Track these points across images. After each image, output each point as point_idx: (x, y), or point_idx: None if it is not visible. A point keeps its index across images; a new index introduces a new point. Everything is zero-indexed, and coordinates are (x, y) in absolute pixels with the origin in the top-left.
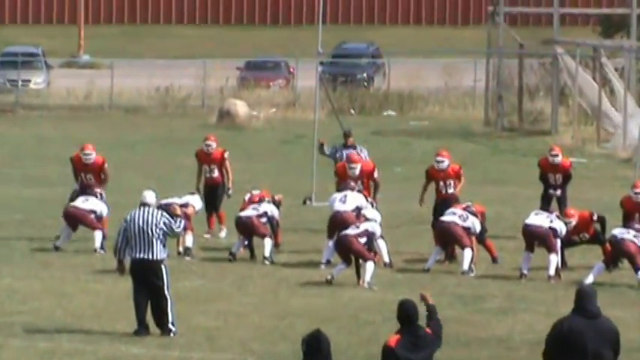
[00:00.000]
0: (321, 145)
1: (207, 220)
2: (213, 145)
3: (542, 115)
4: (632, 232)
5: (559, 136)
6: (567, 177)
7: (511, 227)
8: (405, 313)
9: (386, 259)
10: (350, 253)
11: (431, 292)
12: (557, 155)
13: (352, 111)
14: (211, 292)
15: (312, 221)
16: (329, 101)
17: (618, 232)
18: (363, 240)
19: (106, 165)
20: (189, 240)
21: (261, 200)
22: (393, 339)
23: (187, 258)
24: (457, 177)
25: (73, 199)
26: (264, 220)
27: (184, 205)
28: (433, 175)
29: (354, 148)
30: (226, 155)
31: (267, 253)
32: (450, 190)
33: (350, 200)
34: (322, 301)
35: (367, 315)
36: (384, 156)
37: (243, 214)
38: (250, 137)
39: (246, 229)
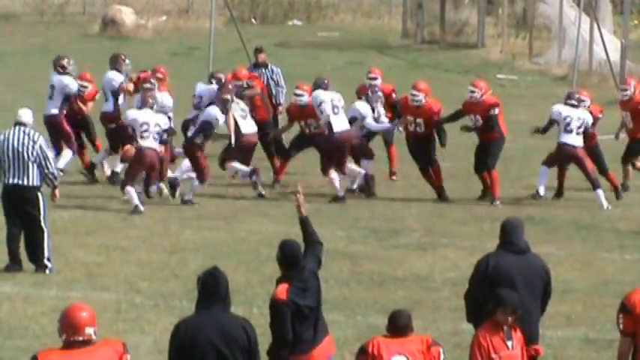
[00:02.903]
0: None
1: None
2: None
3: (467, 27)
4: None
5: (486, 49)
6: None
7: None
8: (291, 254)
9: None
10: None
11: (342, 224)
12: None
13: (253, 20)
14: (93, 223)
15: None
16: (227, 8)
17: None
18: None
19: None
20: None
21: None
22: (282, 289)
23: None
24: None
25: None
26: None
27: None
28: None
29: (265, 67)
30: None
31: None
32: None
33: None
34: (218, 234)
35: (269, 250)
36: (289, 70)
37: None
38: (137, 49)
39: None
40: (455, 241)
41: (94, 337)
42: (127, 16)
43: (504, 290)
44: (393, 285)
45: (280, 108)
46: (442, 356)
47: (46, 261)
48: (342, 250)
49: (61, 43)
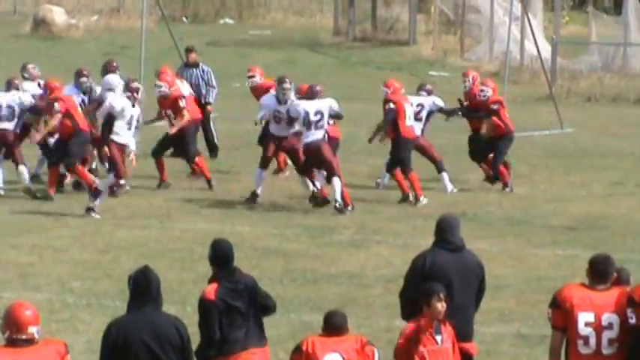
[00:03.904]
0: None
1: None
2: None
3: (399, 24)
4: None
5: (417, 46)
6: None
7: (363, 150)
8: (222, 253)
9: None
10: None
11: (275, 222)
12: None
13: (185, 19)
14: (24, 223)
15: (146, 141)
16: (158, 7)
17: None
18: None
19: None
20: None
21: None
22: (210, 289)
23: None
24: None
25: None
26: None
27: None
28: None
29: (196, 66)
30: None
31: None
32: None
33: None
34: (151, 233)
35: (203, 249)
36: (220, 69)
37: None
38: (69, 48)
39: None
40: (388, 239)
41: (36, 336)
42: (58, 15)
43: (428, 284)
44: (326, 282)
45: (210, 107)
46: (377, 356)
47: None
48: (275, 248)
49: None
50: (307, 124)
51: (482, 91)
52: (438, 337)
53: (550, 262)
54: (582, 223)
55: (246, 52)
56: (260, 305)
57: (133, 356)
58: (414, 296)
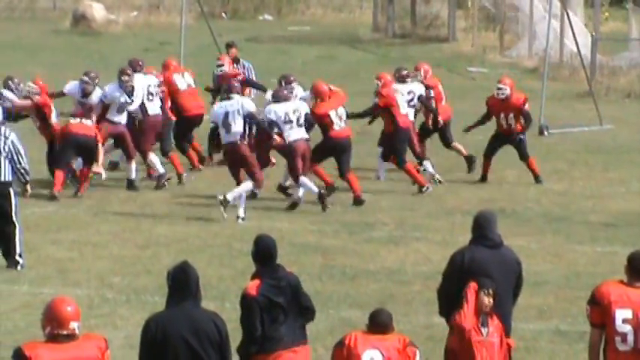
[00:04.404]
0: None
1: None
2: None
3: (438, 20)
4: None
5: (457, 43)
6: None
7: None
8: (265, 249)
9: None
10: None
11: (314, 218)
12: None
13: (224, 15)
14: (64, 219)
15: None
16: (197, 3)
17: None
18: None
19: None
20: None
21: None
22: (253, 285)
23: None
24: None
25: None
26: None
27: None
28: (493, 106)
29: (237, 62)
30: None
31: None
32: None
33: None
34: (190, 229)
35: (241, 245)
36: (259, 65)
37: None
38: (108, 44)
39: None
40: (427, 235)
41: (77, 332)
42: (97, 11)
43: (477, 277)
44: (365, 279)
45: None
46: (417, 358)
47: (17, 257)
48: (314, 244)
49: (32, 39)
50: (288, 122)
51: (499, 89)
52: (484, 330)
53: (589, 258)
54: (621, 219)
55: (286, 49)
56: (301, 306)
57: (172, 351)
58: (454, 293)
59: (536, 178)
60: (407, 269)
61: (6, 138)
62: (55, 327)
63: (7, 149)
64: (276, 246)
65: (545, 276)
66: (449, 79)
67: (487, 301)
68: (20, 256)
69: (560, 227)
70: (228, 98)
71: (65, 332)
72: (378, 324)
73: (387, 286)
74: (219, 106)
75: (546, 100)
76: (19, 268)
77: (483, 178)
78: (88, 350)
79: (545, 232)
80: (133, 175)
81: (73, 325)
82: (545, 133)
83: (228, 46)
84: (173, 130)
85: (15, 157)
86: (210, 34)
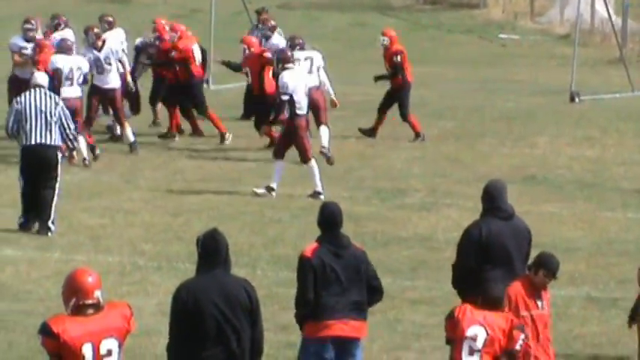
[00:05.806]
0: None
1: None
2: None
3: None
4: None
5: (488, 9)
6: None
7: (434, 113)
8: (329, 215)
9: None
10: None
11: (346, 185)
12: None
13: None
14: (96, 186)
15: (211, 105)
16: None
17: None
18: None
19: None
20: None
21: None
22: (310, 248)
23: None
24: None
25: None
26: None
27: None
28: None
29: (272, 30)
30: None
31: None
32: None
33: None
34: (222, 197)
35: (272, 212)
36: (290, 32)
37: None
38: (139, 12)
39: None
40: (458, 201)
41: (101, 299)
42: None
43: (547, 254)
44: (396, 245)
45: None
46: (520, 341)
47: (50, 223)
48: (346, 211)
49: (63, 6)
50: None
51: (382, 41)
52: (539, 303)
53: (620, 225)
54: None
55: (317, 15)
56: (367, 285)
57: (203, 318)
58: (472, 267)
59: (417, 135)
60: (438, 236)
61: (56, 103)
62: (80, 297)
63: (57, 115)
64: (341, 213)
65: (577, 242)
66: (480, 46)
67: (546, 280)
68: (52, 222)
69: (592, 194)
70: (288, 68)
71: (90, 301)
72: (491, 299)
73: (419, 253)
74: (291, 78)
75: (578, 67)
76: (50, 234)
77: (372, 132)
78: (113, 320)
79: (577, 198)
80: (132, 139)
81: (97, 293)
82: (577, 99)
83: (258, 12)
84: (168, 94)
85: (65, 123)
86: (242, 0)
